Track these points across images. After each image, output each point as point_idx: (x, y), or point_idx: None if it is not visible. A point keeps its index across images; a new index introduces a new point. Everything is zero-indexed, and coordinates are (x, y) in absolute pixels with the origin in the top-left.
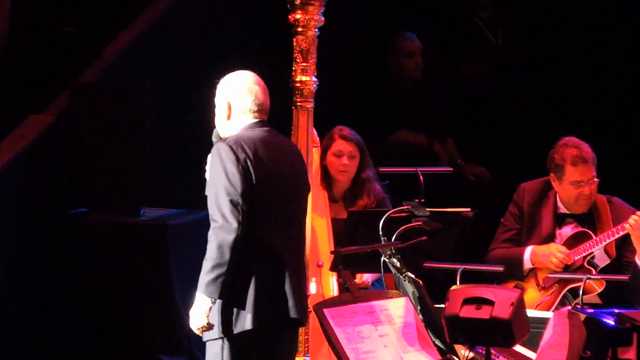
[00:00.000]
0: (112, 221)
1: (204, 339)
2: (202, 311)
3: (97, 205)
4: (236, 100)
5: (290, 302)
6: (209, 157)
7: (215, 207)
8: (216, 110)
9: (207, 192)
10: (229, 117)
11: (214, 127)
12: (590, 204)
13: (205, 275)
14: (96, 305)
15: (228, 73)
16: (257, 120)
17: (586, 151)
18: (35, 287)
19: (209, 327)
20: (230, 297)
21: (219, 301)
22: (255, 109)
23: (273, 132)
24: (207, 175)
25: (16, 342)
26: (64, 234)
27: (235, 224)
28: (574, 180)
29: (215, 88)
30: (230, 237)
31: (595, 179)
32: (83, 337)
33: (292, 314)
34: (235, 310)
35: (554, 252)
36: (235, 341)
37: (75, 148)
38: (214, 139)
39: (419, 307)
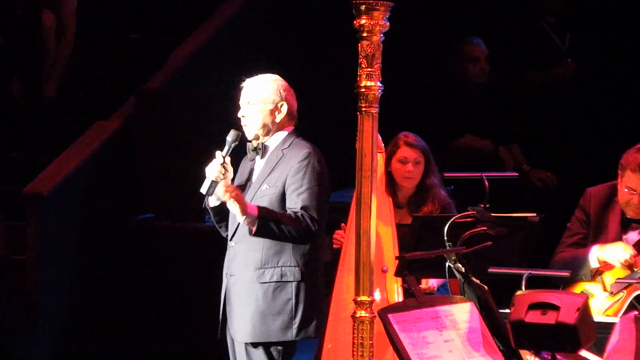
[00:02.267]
0: (177, 227)
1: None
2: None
3: (162, 211)
4: (291, 104)
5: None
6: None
7: (313, 202)
8: (259, 112)
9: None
10: (281, 118)
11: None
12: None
13: (280, 224)
14: (162, 311)
15: (290, 80)
16: (293, 127)
17: None
18: (101, 292)
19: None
20: (306, 300)
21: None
22: (296, 116)
23: None
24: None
25: (82, 347)
26: (129, 240)
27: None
28: (628, 185)
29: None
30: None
31: None
32: (149, 342)
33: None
34: (302, 314)
35: (622, 250)
36: (289, 347)
37: (140, 154)
38: (230, 138)
39: (484, 313)
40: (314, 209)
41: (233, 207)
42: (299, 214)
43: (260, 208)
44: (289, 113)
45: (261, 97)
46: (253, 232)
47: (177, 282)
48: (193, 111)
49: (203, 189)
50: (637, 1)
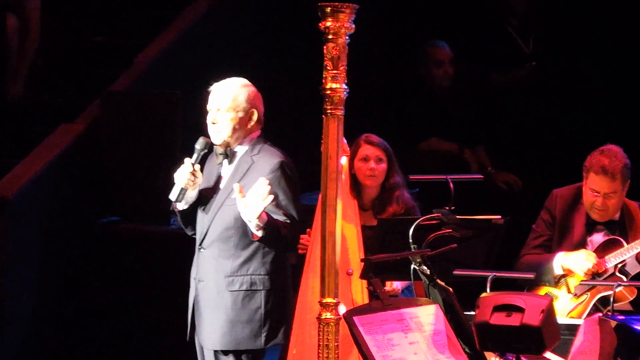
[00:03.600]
0: (143, 230)
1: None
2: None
3: (128, 214)
4: (260, 109)
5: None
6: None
7: (294, 211)
8: (231, 118)
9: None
10: (250, 125)
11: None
12: (605, 216)
13: (280, 231)
14: (126, 313)
15: (256, 81)
16: (260, 132)
17: (615, 165)
18: (66, 295)
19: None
20: (275, 308)
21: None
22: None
23: None
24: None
25: (47, 348)
26: (94, 243)
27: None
28: (592, 187)
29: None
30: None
31: (615, 195)
32: (113, 345)
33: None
34: (271, 323)
35: (584, 260)
36: (258, 353)
37: (106, 157)
38: (199, 146)
39: (449, 315)
40: (296, 215)
41: (249, 207)
42: (287, 221)
43: (267, 214)
44: (258, 120)
45: (233, 104)
46: (256, 238)
47: (142, 285)
48: (159, 113)
49: (172, 196)
50: (600, 3)
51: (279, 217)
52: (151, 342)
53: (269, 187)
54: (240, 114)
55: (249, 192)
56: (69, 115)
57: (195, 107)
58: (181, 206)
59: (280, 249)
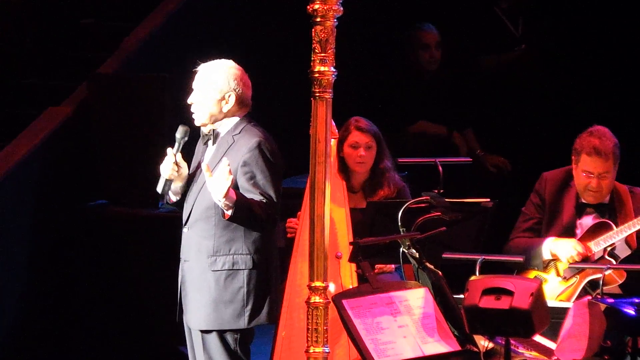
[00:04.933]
0: (131, 213)
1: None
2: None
3: (116, 198)
4: (242, 92)
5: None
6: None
7: (271, 189)
8: (206, 100)
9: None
10: (229, 108)
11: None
12: (599, 197)
13: (252, 210)
14: (114, 297)
15: (244, 64)
16: (246, 113)
17: (606, 145)
18: (53, 277)
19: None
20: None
21: (235, 291)
22: (249, 102)
23: None
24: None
25: (35, 331)
26: (82, 226)
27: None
28: (584, 169)
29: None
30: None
31: (608, 175)
32: (101, 328)
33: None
34: (254, 302)
35: (571, 249)
36: (245, 334)
37: (94, 140)
38: (179, 135)
39: (438, 298)
40: (273, 195)
41: (215, 187)
42: (263, 201)
43: (237, 193)
44: (239, 102)
45: (209, 85)
46: (227, 217)
47: (131, 268)
48: (147, 96)
49: (159, 188)
50: None
51: (255, 196)
52: (140, 325)
53: (229, 167)
54: (217, 96)
55: (215, 172)
56: (56, 97)
57: (183, 89)
58: (174, 198)
59: (255, 228)
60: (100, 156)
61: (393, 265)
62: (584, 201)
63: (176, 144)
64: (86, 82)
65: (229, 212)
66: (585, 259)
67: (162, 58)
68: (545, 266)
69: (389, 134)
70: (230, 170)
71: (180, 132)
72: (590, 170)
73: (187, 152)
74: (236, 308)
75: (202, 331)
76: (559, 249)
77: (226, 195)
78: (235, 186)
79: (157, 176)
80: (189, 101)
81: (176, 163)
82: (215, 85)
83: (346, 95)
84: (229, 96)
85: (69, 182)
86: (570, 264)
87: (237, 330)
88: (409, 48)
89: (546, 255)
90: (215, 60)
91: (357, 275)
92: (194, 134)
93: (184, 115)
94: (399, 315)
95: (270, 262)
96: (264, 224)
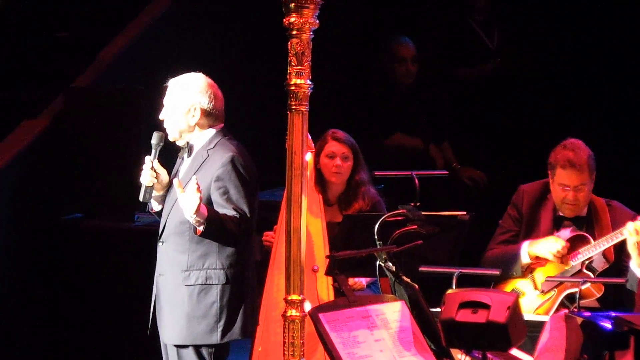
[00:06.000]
0: (107, 226)
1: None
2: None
3: (92, 211)
4: (208, 105)
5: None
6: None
7: (244, 204)
8: (173, 115)
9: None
10: (197, 123)
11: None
12: (576, 210)
13: (224, 225)
14: (90, 310)
15: (220, 77)
16: (221, 127)
17: (580, 157)
18: (29, 291)
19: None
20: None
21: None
22: (222, 114)
23: None
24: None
25: (10, 346)
26: (58, 239)
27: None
28: (560, 182)
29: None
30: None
31: (584, 187)
32: (77, 342)
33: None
34: (227, 318)
35: (553, 243)
36: (220, 349)
37: (69, 153)
38: (155, 141)
39: (414, 312)
40: (247, 210)
41: (186, 203)
42: (236, 216)
43: (208, 209)
44: (205, 114)
45: (175, 100)
46: (199, 233)
47: (106, 282)
48: (122, 109)
49: (141, 197)
50: None
51: (228, 211)
52: (115, 339)
53: (197, 184)
54: (182, 110)
55: (186, 189)
56: (32, 110)
57: (159, 102)
58: (156, 207)
59: (228, 243)
60: (76, 169)
61: (364, 282)
62: (561, 214)
63: (152, 151)
64: (62, 94)
65: (201, 228)
66: (564, 272)
67: (138, 71)
68: (524, 271)
69: (366, 146)
70: (199, 188)
71: (155, 139)
72: (566, 183)
73: (168, 162)
74: (209, 323)
75: (177, 345)
76: (539, 248)
77: (197, 212)
78: (209, 201)
79: (134, 188)
80: (160, 117)
81: (153, 169)
82: (180, 99)
83: (322, 108)
84: (195, 109)
85: (45, 195)
86: (547, 278)
87: (211, 345)
88: (385, 61)
89: (525, 259)
90: (183, 75)
91: (334, 289)
92: (173, 144)
93: (160, 128)
94: (375, 329)
95: (245, 277)
96: (238, 239)
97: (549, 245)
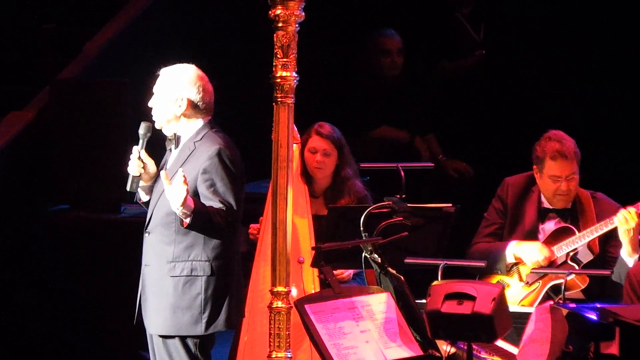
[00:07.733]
0: (93, 218)
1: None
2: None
3: (78, 202)
4: (195, 97)
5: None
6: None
7: (231, 197)
8: (161, 104)
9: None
10: (183, 113)
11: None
12: (569, 200)
13: (211, 218)
14: (76, 302)
15: (206, 69)
16: (209, 119)
17: (568, 146)
18: (15, 283)
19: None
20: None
21: (193, 297)
22: (211, 107)
23: None
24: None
25: None
26: (44, 231)
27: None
28: (552, 174)
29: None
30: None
31: (575, 176)
32: (63, 334)
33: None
34: (211, 309)
35: (537, 252)
36: (206, 339)
37: (55, 145)
38: (142, 131)
39: (400, 303)
40: (233, 202)
41: (173, 195)
42: (223, 208)
43: (195, 201)
44: (192, 106)
45: (163, 90)
46: (185, 225)
47: (92, 273)
48: (108, 101)
49: (128, 187)
50: None
51: (215, 203)
52: (101, 330)
53: (184, 177)
54: (170, 100)
55: (173, 181)
56: (18, 103)
57: (144, 95)
58: (144, 197)
59: (214, 235)
60: (62, 161)
61: (351, 273)
62: (546, 206)
63: (140, 141)
64: (48, 87)
65: (187, 220)
66: (550, 263)
67: (123, 63)
68: (508, 270)
69: (351, 139)
70: (185, 180)
71: (142, 129)
72: (557, 174)
73: (155, 153)
74: (194, 314)
75: (162, 336)
76: (523, 252)
77: (183, 204)
78: (195, 193)
79: (120, 180)
80: (149, 104)
81: (140, 159)
82: (168, 88)
83: (308, 100)
84: (182, 100)
85: (31, 186)
86: (533, 270)
87: (196, 336)
88: (371, 53)
89: (510, 258)
90: (176, 65)
91: (320, 280)
92: (162, 135)
93: (147, 118)
94: (361, 320)
95: (230, 269)
96: (224, 232)
97: (532, 255)
